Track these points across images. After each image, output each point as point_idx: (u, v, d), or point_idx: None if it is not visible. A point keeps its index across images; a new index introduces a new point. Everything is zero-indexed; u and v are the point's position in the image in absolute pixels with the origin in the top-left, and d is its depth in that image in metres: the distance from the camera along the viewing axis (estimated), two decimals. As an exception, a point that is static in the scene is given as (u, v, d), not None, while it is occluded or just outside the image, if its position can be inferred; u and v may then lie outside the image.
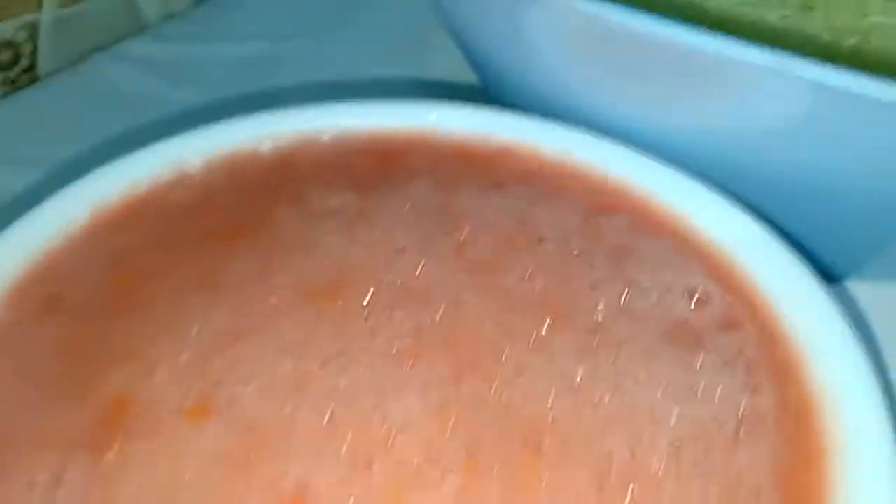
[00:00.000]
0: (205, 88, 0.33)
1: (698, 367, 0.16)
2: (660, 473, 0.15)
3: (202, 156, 0.21)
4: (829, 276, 0.18)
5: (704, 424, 0.15)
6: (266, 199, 0.21)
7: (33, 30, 0.35)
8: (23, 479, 0.15)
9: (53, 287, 0.18)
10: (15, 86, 0.35)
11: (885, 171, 0.18)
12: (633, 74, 0.19)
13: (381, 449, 0.15)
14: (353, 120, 0.23)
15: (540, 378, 0.16)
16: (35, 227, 0.19)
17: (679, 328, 0.17)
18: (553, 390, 0.16)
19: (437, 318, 0.17)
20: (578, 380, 0.16)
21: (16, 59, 0.36)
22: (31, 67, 0.36)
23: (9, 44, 0.35)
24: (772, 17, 0.21)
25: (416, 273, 0.18)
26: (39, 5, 0.34)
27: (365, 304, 0.17)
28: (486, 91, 0.26)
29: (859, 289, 0.23)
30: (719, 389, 0.16)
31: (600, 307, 0.17)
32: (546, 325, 0.17)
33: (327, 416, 0.16)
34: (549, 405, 0.16)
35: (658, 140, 0.20)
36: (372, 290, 0.18)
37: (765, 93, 0.17)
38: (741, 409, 0.16)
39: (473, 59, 0.25)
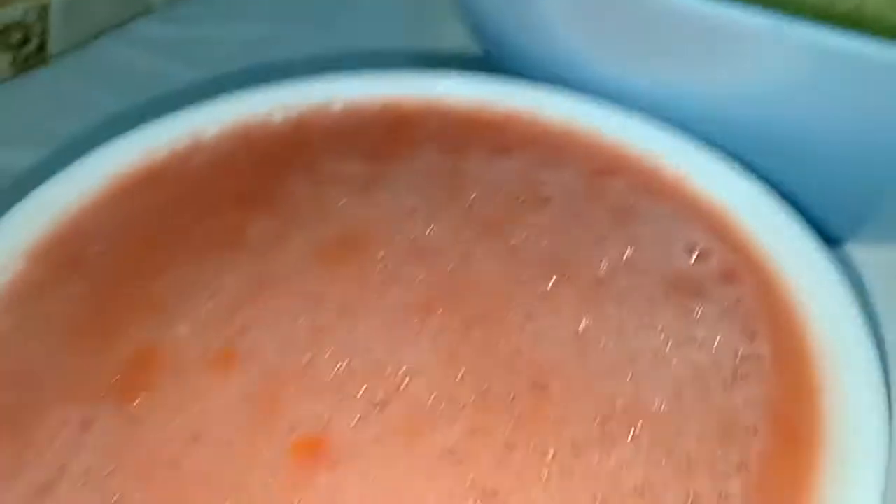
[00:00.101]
0: (212, 67, 0.34)
1: (698, 316, 0.17)
2: (661, 411, 0.15)
3: (217, 125, 0.22)
4: (826, 239, 0.19)
5: (703, 368, 0.16)
6: (280, 166, 0.21)
7: (43, 11, 0.36)
8: (54, 423, 0.16)
9: (78, 247, 0.19)
10: (26, 66, 0.36)
11: (880, 132, 0.19)
12: (632, 40, 0.20)
13: (396, 392, 0.16)
14: (363, 90, 0.23)
15: (546, 326, 0.17)
16: (58, 191, 0.20)
17: (680, 280, 0.18)
18: (560, 336, 0.17)
19: (448, 274, 0.18)
20: (583, 327, 0.17)
21: (26, 40, 0.36)
22: (42, 48, 0.36)
23: (19, 25, 0.35)
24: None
25: (427, 232, 0.19)
26: (50, -14, 0.35)
27: (378, 259, 0.18)
28: (490, 62, 0.26)
29: (856, 251, 0.24)
30: (718, 336, 0.17)
31: (604, 262, 0.18)
32: (552, 278, 0.18)
33: (344, 363, 0.16)
34: (555, 351, 0.16)
35: (658, 104, 0.21)
36: (384, 248, 0.19)
37: (763, 55, 0.18)
38: (738, 354, 0.16)
39: (477, 30, 0.26)
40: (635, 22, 0.19)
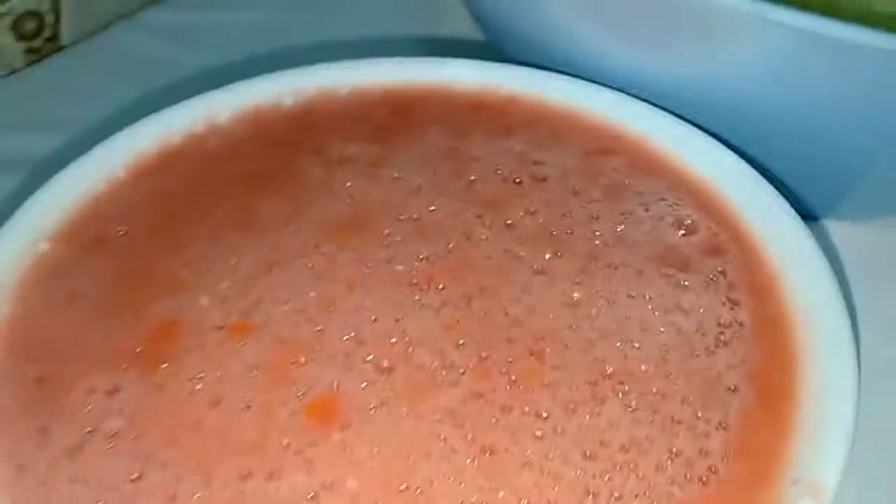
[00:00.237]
0: (221, 53, 0.34)
1: (685, 286, 0.18)
2: (647, 374, 0.16)
3: (230, 109, 0.23)
4: (805, 215, 0.20)
5: (689, 334, 0.17)
6: (289, 148, 0.22)
7: (55, 0, 0.36)
8: (82, 391, 0.17)
9: (101, 226, 0.20)
10: (39, 55, 0.37)
11: (857, 114, 0.20)
12: (626, 25, 0.21)
13: (401, 358, 0.17)
14: (369, 75, 0.24)
15: (543, 297, 0.18)
16: (80, 173, 0.21)
17: (668, 253, 0.19)
18: (555, 306, 0.18)
19: (450, 249, 0.19)
20: (577, 297, 0.18)
21: (39, 29, 0.37)
22: (54, 37, 0.37)
23: (32, 14, 0.36)
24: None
25: (430, 210, 0.20)
26: (62, -24, 0.36)
27: (384, 236, 0.19)
28: (492, 48, 0.27)
29: (832, 226, 0.25)
30: (702, 305, 0.18)
31: (598, 236, 0.19)
32: (548, 252, 0.19)
33: (353, 332, 0.17)
34: (550, 320, 0.18)
35: (652, 86, 0.22)
36: (389, 225, 0.20)
37: (747, 38, 0.19)
38: (721, 321, 0.18)
39: (480, 16, 0.27)
40: (632, 8, 0.20)
